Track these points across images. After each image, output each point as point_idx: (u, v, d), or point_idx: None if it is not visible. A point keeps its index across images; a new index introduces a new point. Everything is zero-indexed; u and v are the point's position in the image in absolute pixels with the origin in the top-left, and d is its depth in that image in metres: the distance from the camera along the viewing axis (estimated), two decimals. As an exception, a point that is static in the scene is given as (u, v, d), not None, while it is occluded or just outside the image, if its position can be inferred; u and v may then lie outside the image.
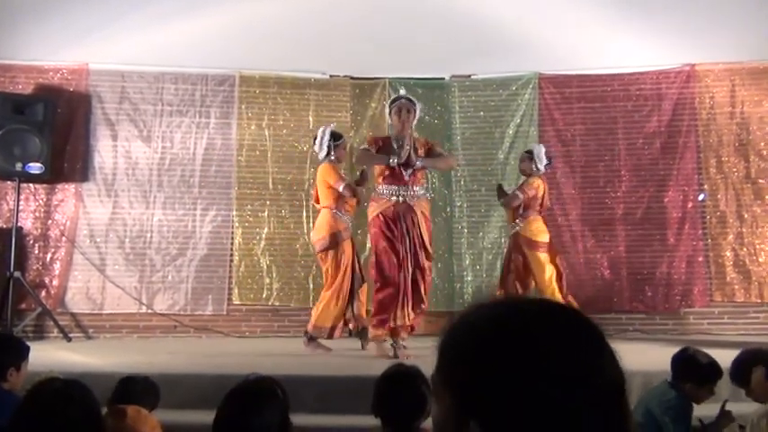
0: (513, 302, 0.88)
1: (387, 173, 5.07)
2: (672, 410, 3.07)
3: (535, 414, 0.74)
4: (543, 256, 5.74)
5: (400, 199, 5.03)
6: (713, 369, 3.15)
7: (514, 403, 0.75)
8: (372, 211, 5.13)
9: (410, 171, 5.05)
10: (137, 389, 2.99)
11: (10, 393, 2.89)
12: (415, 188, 5.06)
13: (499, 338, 0.79)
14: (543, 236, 5.79)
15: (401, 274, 4.95)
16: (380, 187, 5.10)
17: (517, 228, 5.82)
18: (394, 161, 5.00)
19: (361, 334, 5.54)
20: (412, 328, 5.10)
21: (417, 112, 5.23)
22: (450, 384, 0.81)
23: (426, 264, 5.07)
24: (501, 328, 0.80)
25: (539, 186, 5.78)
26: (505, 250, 6.13)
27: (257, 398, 2.13)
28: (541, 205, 5.84)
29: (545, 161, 5.86)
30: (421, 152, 5.15)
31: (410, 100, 5.21)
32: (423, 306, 5.07)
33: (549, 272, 5.74)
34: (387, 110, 5.35)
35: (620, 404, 0.78)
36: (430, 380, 0.89)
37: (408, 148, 5.00)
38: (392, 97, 5.44)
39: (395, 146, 5.07)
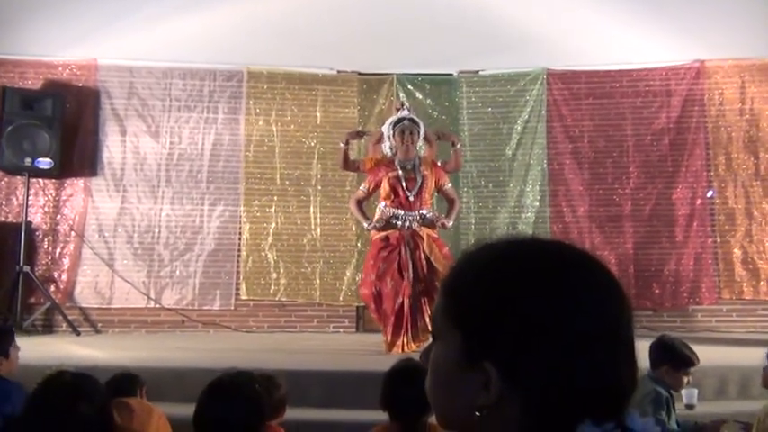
0: (528, 239, 0.82)
1: (392, 196, 4.99)
2: (653, 402, 3.08)
3: (562, 349, 0.71)
4: None
5: (406, 224, 4.95)
6: (688, 354, 3.22)
7: (541, 338, 0.71)
8: (375, 233, 5.07)
9: (415, 192, 4.96)
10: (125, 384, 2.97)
11: (6, 380, 2.87)
12: (422, 212, 4.98)
13: (527, 272, 0.75)
14: None
15: (397, 300, 4.85)
16: (386, 211, 5.02)
17: None
18: (366, 226, 5.05)
19: None
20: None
21: (422, 132, 5.13)
22: (463, 323, 0.75)
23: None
24: (528, 262, 0.76)
25: None
26: None
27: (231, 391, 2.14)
28: None
29: None
30: (427, 173, 5.04)
31: (413, 121, 5.11)
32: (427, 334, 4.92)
33: None
34: (389, 131, 5.15)
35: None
36: (430, 322, 0.86)
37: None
38: (394, 119, 5.21)
39: (399, 170, 5.00)
